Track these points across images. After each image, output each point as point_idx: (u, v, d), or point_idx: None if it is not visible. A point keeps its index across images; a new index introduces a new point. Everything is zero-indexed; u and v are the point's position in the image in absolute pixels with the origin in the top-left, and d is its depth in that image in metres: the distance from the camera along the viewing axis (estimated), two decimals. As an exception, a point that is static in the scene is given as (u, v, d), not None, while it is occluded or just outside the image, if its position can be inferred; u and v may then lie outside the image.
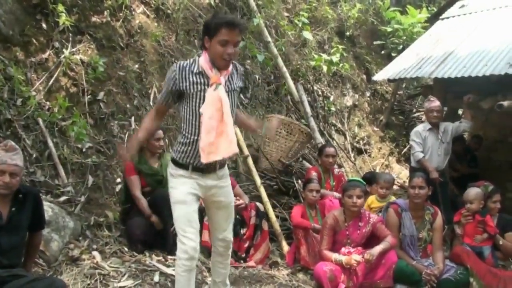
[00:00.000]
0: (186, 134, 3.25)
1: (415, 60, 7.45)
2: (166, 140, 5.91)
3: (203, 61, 3.18)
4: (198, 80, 3.18)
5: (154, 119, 3.41)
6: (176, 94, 3.22)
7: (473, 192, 4.96)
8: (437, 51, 7.48)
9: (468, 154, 8.01)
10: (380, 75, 7.94)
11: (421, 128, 6.47)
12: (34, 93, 4.97)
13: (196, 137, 3.21)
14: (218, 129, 3.14)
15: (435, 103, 6.35)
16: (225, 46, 3.06)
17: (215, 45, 3.08)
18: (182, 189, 3.30)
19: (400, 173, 9.32)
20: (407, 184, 7.48)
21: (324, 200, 5.56)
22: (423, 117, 8.52)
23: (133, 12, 6.49)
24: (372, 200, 5.63)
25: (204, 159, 3.15)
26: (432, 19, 9.29)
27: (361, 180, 5.31)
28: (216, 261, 3.66)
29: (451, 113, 8.33)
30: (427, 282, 4.65)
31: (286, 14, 9.10)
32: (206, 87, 3.17)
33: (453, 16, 8.64)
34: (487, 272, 4.64)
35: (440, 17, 8.86)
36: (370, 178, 6.03)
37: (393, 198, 5.57)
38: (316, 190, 5.35)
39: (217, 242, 3.58)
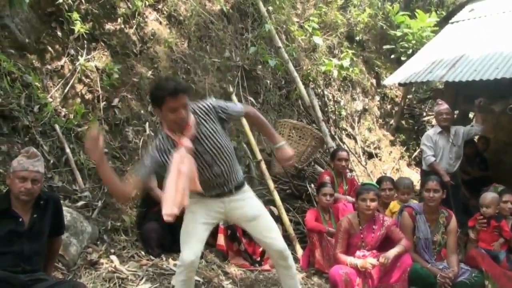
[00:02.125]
0: None
1: (426, 64, 7.47)
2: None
3: (166, 129, 3.26)
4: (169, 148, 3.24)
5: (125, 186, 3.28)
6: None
7: (490, 196, 4.97)
8: (448, 55, 7.49)
9: (478, 157, 8.01)
10: (391, 79, 7.97)
11: (431, 132, 6.49)
12: (50, 99, 5.04)
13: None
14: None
15: (444, 106, 6.37)
16: (175, 112, 3.10)
17: (166, 114, 3.13)
18: (195, 205, 3.45)
19: (411, 177, 9.30)
20: (417, 188, 7.49)
21: (338, 204, 5.58)
22: (433, 121, 8.53)
23: (146, 19, 6.56)
24: (394, 204, 5.62)
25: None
26: (442, 23, 9.32)
27: (375, 184, 5.33)
28: (282, 273, 3.69)
29: (462, 117, 8.36)
30: (442, 285, 4.65)
31: (296, 19, 9.15)
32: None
33: (463, 20, 8.66)
34: (501, 275, 4.64)
35: (450, 21, 8.89)
36: (380, 182, 6.05)
37: (414, 201, 5.58)
38: (329, 194, 5.38)
39: (272, 255, 3.64)
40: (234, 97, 6.99)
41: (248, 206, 3.53)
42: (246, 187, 3.60)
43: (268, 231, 3.55)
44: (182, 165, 3.12)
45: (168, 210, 3.11)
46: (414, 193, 7.87)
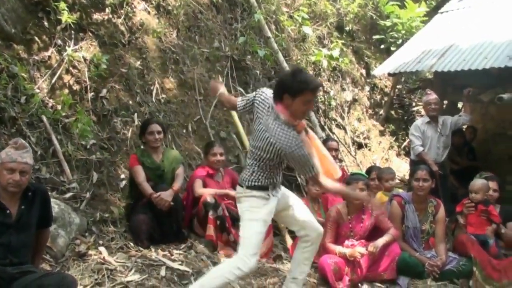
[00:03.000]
0: None
1: (415, 54, 7.48)
2: (169, 136, 5.95)
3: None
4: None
5: None
6: None
7: (479, 183, 5.00)
8: (437, 44, 7.51)
9: (466, 147, 8.05)
10: (380, 70, 7.98)
11: (420, 122, 6.53)
12: (37, 90, 5.00)
13: None
14: None
15: (432, 96, 6.40)
16: (307, 105, 3.41)
17: (298, 103, 3.34)
18: (263, 211, 3.55)
19: (400, 166, 9.35)
20: (407, 177, 7.53)
21: (327, 194, 5.59)
22: (423, 111, 8.56)
23: (134, 9, 6.51)
24: (380, 195, 5.66)
25: None
26: (431, 13, 9.32)
27: (364, 173, 5.36)
28: (304, 257, 3.78)
29: (451, 106, 8.39)
30: (430, 273, 4.71)
31: (285, 9, 9.10)
32: None
33: (452, 10, 8.66)
34: (488, 264, 4.68)
35: (439, 11, 8.89)
36: (369, 171, 6.08)
37: (400, 191, 5.61)
38: None
39: (312, 235, 3.72)
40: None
41: (291, 195, 3.77)
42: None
43: (308, 214, 3.76)
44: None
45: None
46: (399, 181, 7.97)
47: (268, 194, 3.48)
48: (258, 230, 3.44)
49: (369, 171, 6.15)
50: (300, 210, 3.72)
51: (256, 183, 3.47)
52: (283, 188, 3.73)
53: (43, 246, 3.66)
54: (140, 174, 4.85)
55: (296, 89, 3.27)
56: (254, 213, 3.47)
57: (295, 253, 3.87)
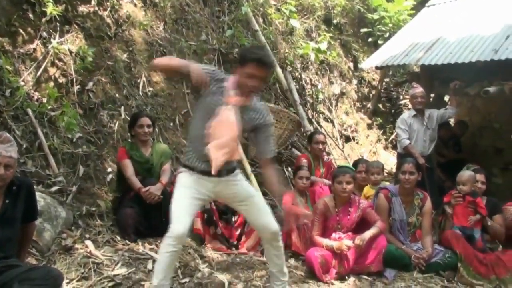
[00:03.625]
0: None
1: (402, 47, 7.52)
2: (156, 130, 5.92)
3: (231, 82, 3.35)
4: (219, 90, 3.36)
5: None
6: None
7: (467, 174, 5.00)
8: (424, 38, 7.55)
9: (452, 140, 8.11)
10: (368, 63, 8.01)
11: (406, 115, 6.58)
12: (22, 83, 4.94)
13: None
14: None
15: (419, 89, 6.44)
16: (250, 79, 3.23)
17: (242, 75, 3.25)
18: (185, 179, 3.51)
19: (388, 159, 9.39)
20: (394, 170, 7.57)
21: (315, 187, 5.61)
22: (410, 104, 8.61)
23: (120, 2, 6.44)
24: (368, 189, 5.69)
25: None
26: (418, 7, 9.37)
27: (351, 167, 5.38)
28: (272, 253, 3.69)
29: (437, 100, 8.43)
30: (416, 266, 4.75)
31: (273, 2, 9.07)
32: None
33: (439, 3, 8.72)
34: (474, 258, 4.72)
35: (427, 4, 8.94)
36: (356, 164, 6.11)
37: (387, 183, 5.64)
38: (306, 177, 5.39)
39: (265, 236, 3.63)
40: (211, 81, 6.93)
41: (239, 187, 3.56)
42: (238, 171, 3.61)
43: (262, 212, 3.57)
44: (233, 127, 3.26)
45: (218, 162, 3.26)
46: (387, 174, 8.01)
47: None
48: (175, 196, 3.44)
49: (356, 164, 6.17)
50: (252, 211, 3.60)
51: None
52: (240, 181, 3.59)
53: (29, 240, 3.63)
54: (129, 168, 4.84)
55: (242, 59, 3.26)
56: (178, 182, 3.53)
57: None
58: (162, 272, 3.37)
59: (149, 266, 4.10)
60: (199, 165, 3.44)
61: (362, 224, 4.81)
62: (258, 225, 3.61)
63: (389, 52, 7.58)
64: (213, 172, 3.28)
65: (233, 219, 5.12)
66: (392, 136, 9.93)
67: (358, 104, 10.33)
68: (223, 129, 3.24)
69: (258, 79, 3.25)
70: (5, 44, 5.00)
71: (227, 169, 3.46)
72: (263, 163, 3.63)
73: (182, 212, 3.39)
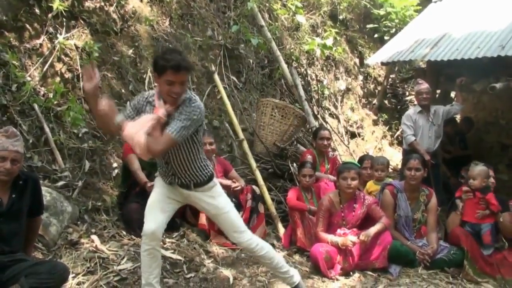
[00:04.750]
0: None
1: (409, 43, 7.49)
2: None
3: (156, 94, 3.33)
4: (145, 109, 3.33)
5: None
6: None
7: (477, 168, 4.91)
8: (430, 34, 7.51)
9: (458, 136, 8.08)
10: (374, 59, 7.98)
11: (412, 111, 6.55)
12: (29, 78, 4.95)
13: None
14: None
15: (424, 85, 6.42)
16: (171, 85, 3.15)
17: (162, 83, 3.18)
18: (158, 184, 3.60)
19: (393, 156, 9.39)
20: (399, 167, 7.56)
21: (320, 182, 5.61)
22: (415, 101, 8.60)
23: (126, -3, 6.45)
24: (371, 184, 5.69)
25: None
26: (425, 2, 9.34)
27: (356, 162, 5.38)
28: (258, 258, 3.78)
29: (443, 96, 8.42)
30: (421, 262, 4.75)
31: (279, -3, 9.08)
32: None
33: (446, -1, 8.67)
34: (479, 258, 4.71)
35: (433, 0, 8.89)
36: (361, 160, 6.11)
37: (389, 180, 5.64)
38: (309, 175, 5.38)
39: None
40: (216, 76, 6.94)
41: (205, 204, 3.54)
42: (210, 186, 3.52)
43: (231, 229, 3.58)
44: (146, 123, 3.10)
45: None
46: (392, 171, 8.01)
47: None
48: (150, 197, 3.56)
49: (361, 160, 6.17)
50: (223, 226, 3.65)
51: None
52: (210, 198, 3.53)
53: (35, 235, 3.67)
54: (135, 162, 4.86)
55: (159, 67, 3.16)
56: (154, 185, 3.64)
57: None
58: (144, 272, 3.51)
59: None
60: (165, 179, 3.50)
61: (367, 220, 4.81)
62: (231, 239, 3.71)
63: (395, 48, 7.56)
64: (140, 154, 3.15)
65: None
66: (398, 132, 9.93)
67: (363, 100, 10.32)
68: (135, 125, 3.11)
69: (178, 83, 3.16)
70: (11, 39, 5.01)
71: (194, 183, 3.45)
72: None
73: (154, 210, 3.47)
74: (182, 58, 3.23)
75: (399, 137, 9.72)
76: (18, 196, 3.30)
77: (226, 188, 5.11)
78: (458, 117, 8.84)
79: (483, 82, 6.65)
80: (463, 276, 4.66)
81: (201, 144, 3.48)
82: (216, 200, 3.54)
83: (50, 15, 5.38)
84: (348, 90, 9.87)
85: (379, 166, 5.73)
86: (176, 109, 3.23)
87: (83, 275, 3.75)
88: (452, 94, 8.86)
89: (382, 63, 8.05)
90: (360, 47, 10.67)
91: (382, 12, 10.67)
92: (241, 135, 6.40)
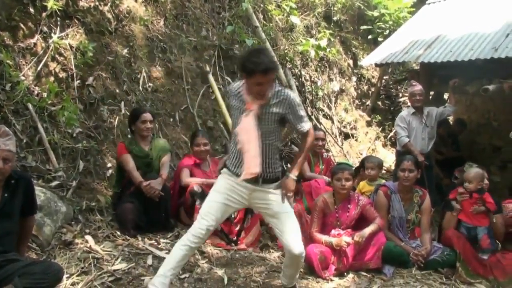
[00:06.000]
0: None
1: (402, 45, 7.52)
2: (156, 125, 5.93)
3: (245, 89, 3.47)
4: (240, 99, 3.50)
5: None
6: None
7: (473, 171, 4.91)
8: (424, 36, 7.55)
9: (451, 138, 8.12)
10: (368, 60, 8.01)
11: (405, 113, 6.59)
12: (23, 78, 4.94)
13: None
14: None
15: (417, 87, 6.45)
16: (260, 86, 3.31)
17: (251, 84, 3.34)
18: (221, 183, 3.59)
19: (386, 157, 9.41)
20: (393, 168, 7.59)
21: (310, 181, 5.63)
22: (409, 102, 8.64)
23: (120, -4, 6.44)
24: (364, 184, 5.71)
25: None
26: (418, 4, 9.38)
27: (350, 163, 5.39)
28: (289, 265, 3.79)
29: (437, 97, 8.46)
30: (415, 263, 4.76)
31: (273, -2, 9.08)
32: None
33: (439, 1, 8.73)
34: (473, 259, 4.72)
35: (427, 2, 8.95)
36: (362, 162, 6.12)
37: (382, 181, 5.65)
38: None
39: (287, 253, 3.67)
40: (210, 77, 6.95)
41: (272, 201, 3.54)
42: (277, 185, 3.57)
43: (288, 232, 3.55)
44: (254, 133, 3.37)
45: (252, 170, 3.37)
46: (385, 172, 8.03)
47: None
48: (209, 199, 3.57)
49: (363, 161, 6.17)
50: (280, 227, 3.58)
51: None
52: (276, 194, 3.55)
53: (28, 234, 3.64)
54: (130, 162, 4.87)
55: (248, 71, 3.29)
56: (214, 185, 3.65)
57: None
58: (169, 263, 3.48)
59: (149, 261, 4.12)
60: (236, 169, 3.51)
61: (361, 221, 4.82)
62: (283, 242, 3.60)
63: (388, 50, 7.59)
64: (238, 180, 3.45)
65: (233, 215, 5.12)
66: (391, 134, 9.95)
67: (357, 101, 10.34)
68: (248, 137, 3.36)
69: (267, 82, 3.31)
70: (5, 38, 4.99)
71: (262, 179, 3.49)
72: (301, 138, 3.72)
73: (217, 210, 3.51)
74: (269, 60, 3.33)
75: (393, 138, 9.76)
76: (11, 195, 3.28)
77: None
78: (451, 119, 8.88)
79: (476, 84, 6.70)
80: (456, 277, 4.67)
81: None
82: (278, 196, 3.56)
83: (44, 14, 5.36)
84: (341, 91, 9.89)
85: (370, 164, 5.75)
86: (268, 102, 3.41)
87: (77, 275, 3.73)
88: (445, 96, 8.89)
89: (376, 65, 8.08)
90: (354, 49, 10.70)
91: (376, 13, 10.69)
92: (235, 135, 6.39)
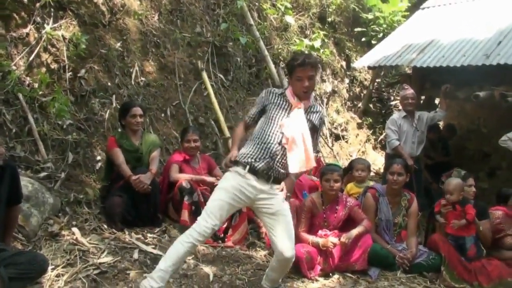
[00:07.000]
0: None
1: (395, 48, 7.55)
2: (147, 120, 5.92)
3: (289, 90, 3.70)
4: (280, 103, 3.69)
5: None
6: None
7: (454, 183, 4.94)
8: (417, 40, 7.59)
9: (441, 143, 8.17)
10: (360, 62, 8.04)
11: (396, 116, 6.62)
12: (14, 67, 4.91)
13: None
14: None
15: (409, 90, 6.48)
16: (300, 81, 3.55)
17: (294, 81, 3.60)
18: (229, 182, 3.57)
19: (376, 159, 9.45)
20: (382, 171, 7.62)
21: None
22: (400, 106, 8.67)
23: (115, -11, 6.41)
24: (351, 186, 5.72)
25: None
26: (413, 9, 9.40)
27: (339, 164, 5.41)
28: (275, 267, 3.80)
29: (428, 102, 8.50)
30: (400, 266, 4.78)
31: (269, -3, 9.08)
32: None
33: (433, 6, 8.76)
34: (458, 264, 4.75)
35: (421, 7, 8.98)
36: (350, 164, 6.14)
37: (371, 183, 5.68)
38: None
39: (277, 255, 3.67)
40: (204, 73, 6.94)
41: (275, 200, 3.57)
42: (280, 185, 3.61)
43: (282, 235, 3.59)
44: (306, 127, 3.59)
45: (311, 163, 3.58)
46: (374, 174, 8.06)
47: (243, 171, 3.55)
48: (215, 197, 3.56)
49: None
50: (276, 228, 3.59)
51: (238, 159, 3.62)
52: (279, 195, 3.58)
53: (14, 224, 3.62)
54: (119, 156, 4.86)
55: (289, 68, 3.60)
56: (221, 183, 3.66)
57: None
58: (170, 258, 3.47)
59: (135, 255, 4.12)
60: (256, 163, 3.52)
61: (348, 222, 4.84)
62: (276, 243, 3.61)
63: (382, 53, 7.62)
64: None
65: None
66: (381, 137, 9.98)
67: (349, 103, 10.37)
68: (300, 130, 3.55)
69: (306, 78, 3.52)
70: (-2, 27, 4.96)
71: (274, 177, 3.55)
72: None
73: (223, 209, 3.51)
74: (308, 55, 3.62)
75: (383, 141, 9.78)
76: (-4, 184, 3.26)
77: (210, 185, 5.12)
78: (441, 124, 8.92)
79: (467, 90, 6.74)
80: (441, 282, 4.70)
81: None
82: (282, 197, 3.60)
83: (38, 5, 5.33)
84: (334, 92, 9.90)
85: (360, 166, 5.78)
86: (310, 107, 3.70)
87: (62, 267, 3.72)
88: (437, 101, 8.94)
89: (369, 67, 8.12)
90: (347, 50, 10.71)
91: (370, 16, 10.72)
92: (227, 133, 6.42)
